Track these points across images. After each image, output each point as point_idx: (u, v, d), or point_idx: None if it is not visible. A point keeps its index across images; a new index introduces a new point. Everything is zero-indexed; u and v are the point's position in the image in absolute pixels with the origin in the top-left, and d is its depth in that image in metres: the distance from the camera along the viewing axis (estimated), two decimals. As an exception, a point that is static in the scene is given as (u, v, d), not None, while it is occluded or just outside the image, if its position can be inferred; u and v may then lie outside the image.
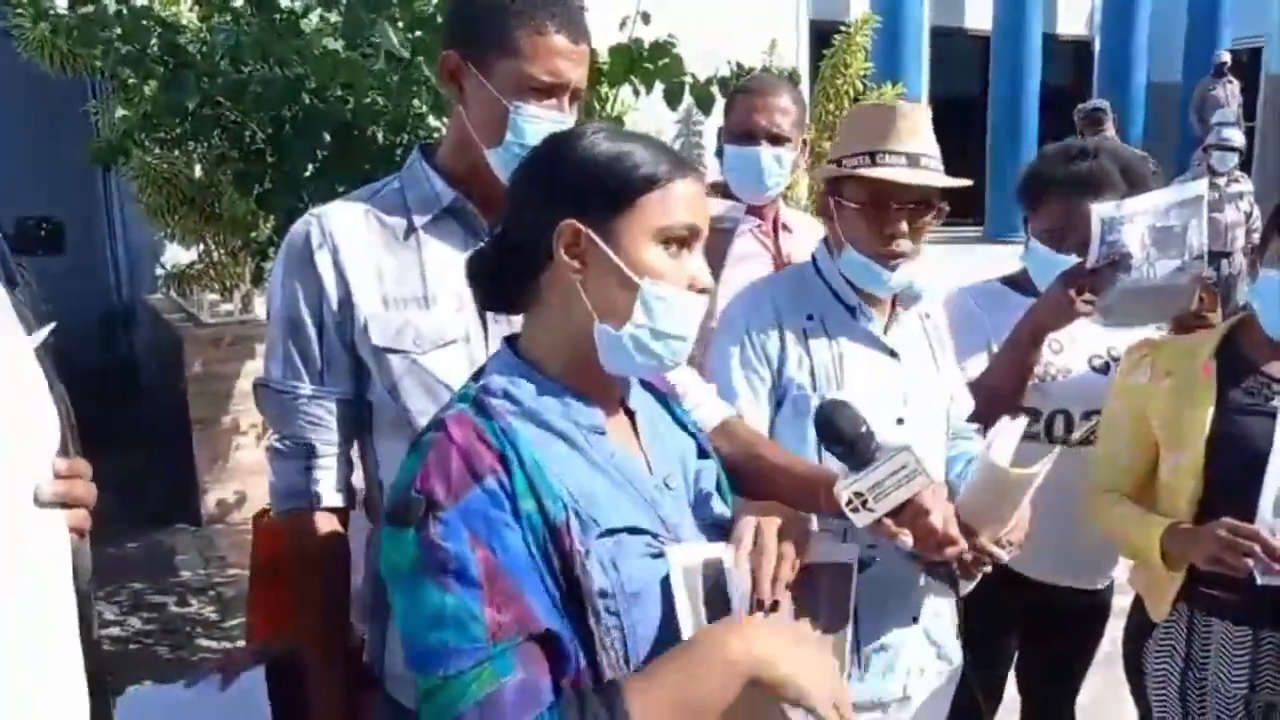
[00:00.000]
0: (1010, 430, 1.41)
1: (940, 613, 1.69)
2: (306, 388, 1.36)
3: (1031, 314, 1.88)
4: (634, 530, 1.02)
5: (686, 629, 0.98)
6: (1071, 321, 1.86)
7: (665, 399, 1.22)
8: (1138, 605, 1.87)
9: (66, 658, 0.93)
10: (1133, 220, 1.80)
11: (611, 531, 1.00)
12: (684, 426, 1.21)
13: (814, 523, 1.26)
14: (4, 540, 0.88)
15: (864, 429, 1.14)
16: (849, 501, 1.12)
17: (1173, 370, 1.76)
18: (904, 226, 1.56)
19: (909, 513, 1.13)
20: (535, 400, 1.03)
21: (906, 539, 1.12)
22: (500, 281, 1.09)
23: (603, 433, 1.06)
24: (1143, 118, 10.57)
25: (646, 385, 1.19)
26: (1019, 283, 2.07)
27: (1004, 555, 1.40)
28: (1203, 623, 1.73)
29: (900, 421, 1.60)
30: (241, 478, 4.56)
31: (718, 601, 1.02)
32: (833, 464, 1.23)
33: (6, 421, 0.90)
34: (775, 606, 1.03)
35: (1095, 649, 2.17)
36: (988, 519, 1.37)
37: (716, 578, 1.03)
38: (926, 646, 1.66)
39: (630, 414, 1.13)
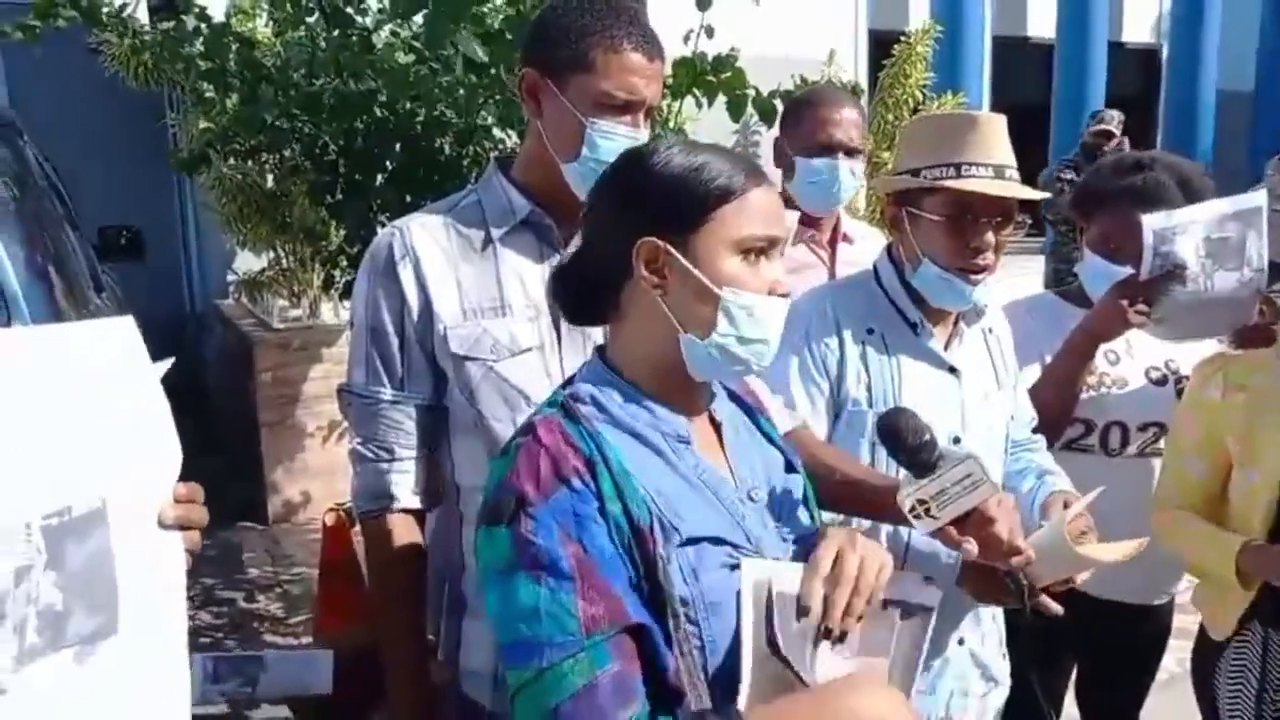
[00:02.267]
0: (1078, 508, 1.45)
1: (988, 634, 1.68)
2: (388, 393, 1.41)
3: (1085, 324, 1.87)
4: (716, 541, 1.03)
5: (748, 643, 0.98)
6: (1124, 332, 1.85)
7: (752, 411, 1.22)
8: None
9: (178, 669, 1.00)
10: (1186, 231, 1.79)
11: (694, 540, 1.01)
12: (771, 440, 1.21)
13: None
14: (135, 560, 0.95)
15: (927, 437, 1.14)
16: (912, 509, 1.12)
17: (1246, 385, 1.73)
18: (990, 239, 1.54)
19: (974, 521, 1.12)
20: (622, 408, 1.05)
21: (971, 547, 1.12)
22: (582, 296, 1.11)
23: (688, 442, 1.07)
24: (1213, 127, 10.30)
25: (734, 397, 1.20)
26: (1073, 296, 2.05)
27: (1057, 608, 1.42)
28: (1278, 642, 1.70)
29: (957, 441, 1.59)
30: (308, 479, 4.67)
31: (769, 621, 1.00)
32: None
33: (139, 449, 0.97)
34: (843, 637, 1.00)
35: (1157, 666, 2.13)
36: (1046, 578, 1.40)
37: (769, 598, 1.01)
38: (971, 668, 1.65)
39: (717, 425, 1.14)
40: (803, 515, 1.17)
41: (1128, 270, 1.86)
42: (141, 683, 0.96)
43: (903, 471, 1.18)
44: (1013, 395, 1.74)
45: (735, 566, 1.02)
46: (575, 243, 1.22)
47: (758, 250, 1.04)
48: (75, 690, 0.92)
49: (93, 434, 0.94)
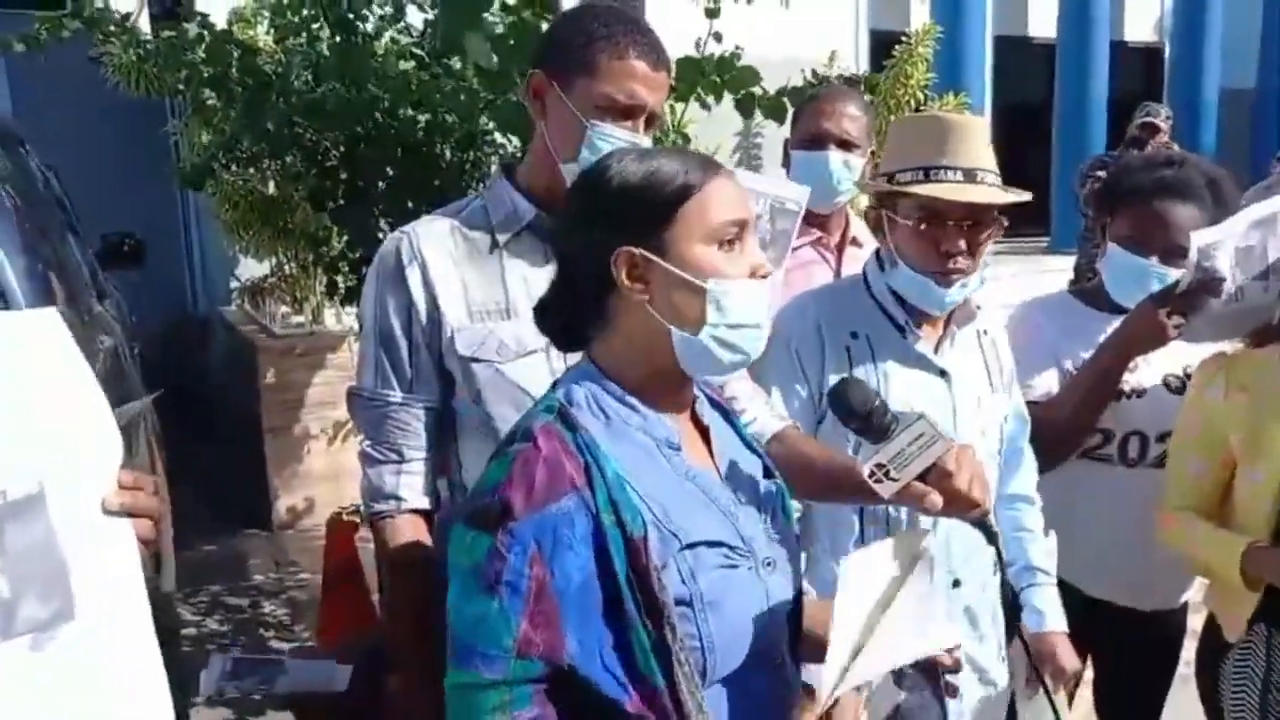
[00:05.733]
0: None
1: (985, 637, 1.67)
2: (397, 396, 1.43)
3: (1119, 336, 1.84)
4: (713, 544, 1.05)
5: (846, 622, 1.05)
6: (1163, 345, 1.82)
7: (730, 415, 1.24)
8: (1211, 625, 1.83)
9: (145, 655, 0.99)
10: (1223, 244, 1.78)
11: (691, 545, 1.03)
12: (749, 445, 1.23)
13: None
14: (83, 546, 0.94)
15: (877, 402, 1.15)
16: (871, 474, 1.13)
17: (1249, 385, 1.73)
18: (961, 244, 1.54)
19: (934, 476, 1.14)
20: (616, 413, 1.07)
21: (935, 498, 1.13)
22: (569, 323, 1.13)
23: (678, 448, 1.09)
24: (1215, 124, 10.30)
25: (713, 402, 1.22)
26: (1088, 296, 2.03)
27: None
28: (1282, 643, 1.69)
29: None
30: (311, 485, 4.67)
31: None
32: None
33: (75, 437, 0.96)
34: None
35: (1174, 670, 2.11)
36: None
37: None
38: (967, 670, 1.61)
39: (703, 428, 1.16)
40: (782, 518, 1.19)
41: (1154, 263, 1.86)
42: (110, 671, 0.95)
43: (857, 439, 1.20)
44: (1007, 398, 1.73)
45: (732, 566, 1.06)
46: None
47: (731, 238, 1.06)
48: (38, 679, 0.91)
49: (21, 420, 0.92)
